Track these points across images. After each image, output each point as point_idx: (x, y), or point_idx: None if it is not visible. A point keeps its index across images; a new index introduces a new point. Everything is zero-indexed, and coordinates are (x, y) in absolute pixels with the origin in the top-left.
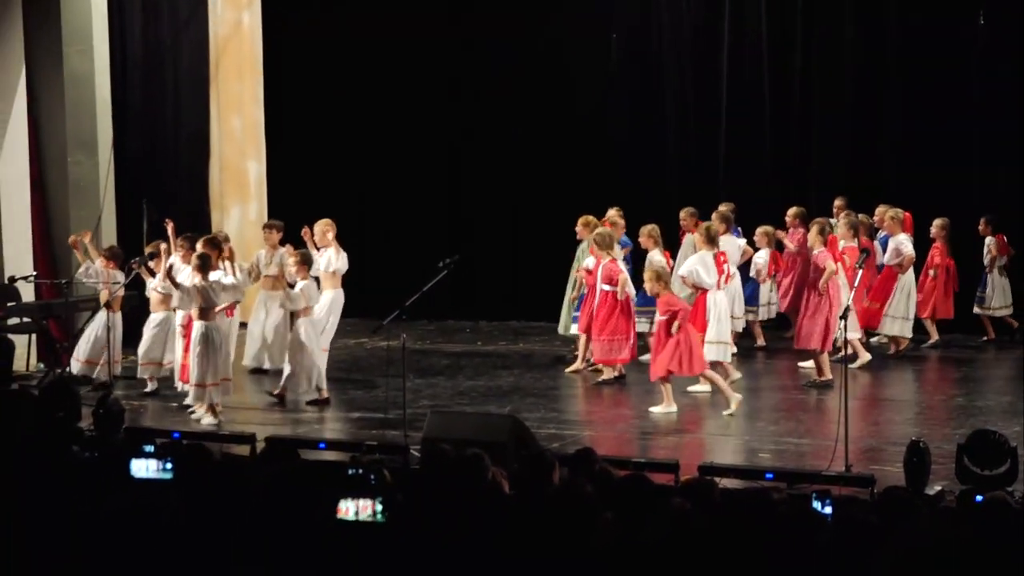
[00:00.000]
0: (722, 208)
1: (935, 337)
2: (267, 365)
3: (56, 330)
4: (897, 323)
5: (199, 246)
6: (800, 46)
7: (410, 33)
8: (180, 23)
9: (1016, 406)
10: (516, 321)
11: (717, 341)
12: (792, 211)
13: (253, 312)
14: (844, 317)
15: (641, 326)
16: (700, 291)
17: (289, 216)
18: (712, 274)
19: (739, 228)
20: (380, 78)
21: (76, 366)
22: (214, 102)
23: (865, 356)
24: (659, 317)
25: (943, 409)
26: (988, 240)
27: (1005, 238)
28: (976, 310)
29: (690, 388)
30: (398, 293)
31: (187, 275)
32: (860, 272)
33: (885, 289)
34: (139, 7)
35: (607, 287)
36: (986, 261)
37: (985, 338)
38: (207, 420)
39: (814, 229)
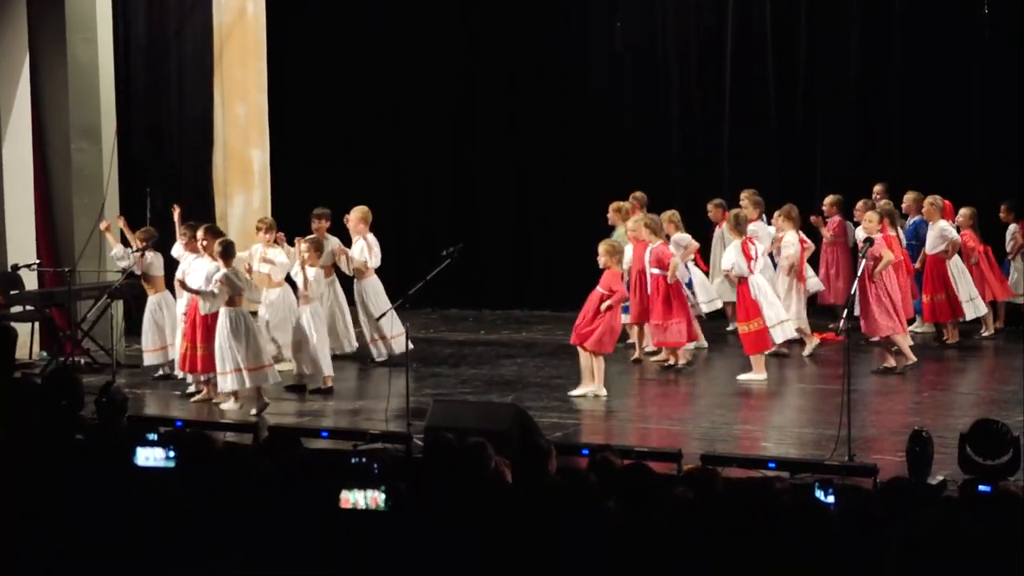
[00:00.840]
0: (752, 194)
1: (991, 328)
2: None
3: (59, 318)
4: (970, 305)
5: (200, 234)
6: (805, 34)
7: (415, 20)
8: (184, 10)
9: (1019, 395)
10: (520, 310)
11: (778, 322)
12: (829, 199)
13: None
14: (848, 307)
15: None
16: (740, 281)
17: (293, 204)
18: (743, 261)
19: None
20: (385, 65)
21: (148, 357)
22: (218, 89)
23: (814, 342)
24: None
25: (946, 398)
26: (1012, 227)
27: None
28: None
29: (740, 376)
30: (402, 282)
31: (188, 262)
32: (863, 262)
33: (940, 277)
34: None
35: (656, 271)
36: (1008, 248)
37: (1001, 326)
38: (228, 406)
39: (872, 216)
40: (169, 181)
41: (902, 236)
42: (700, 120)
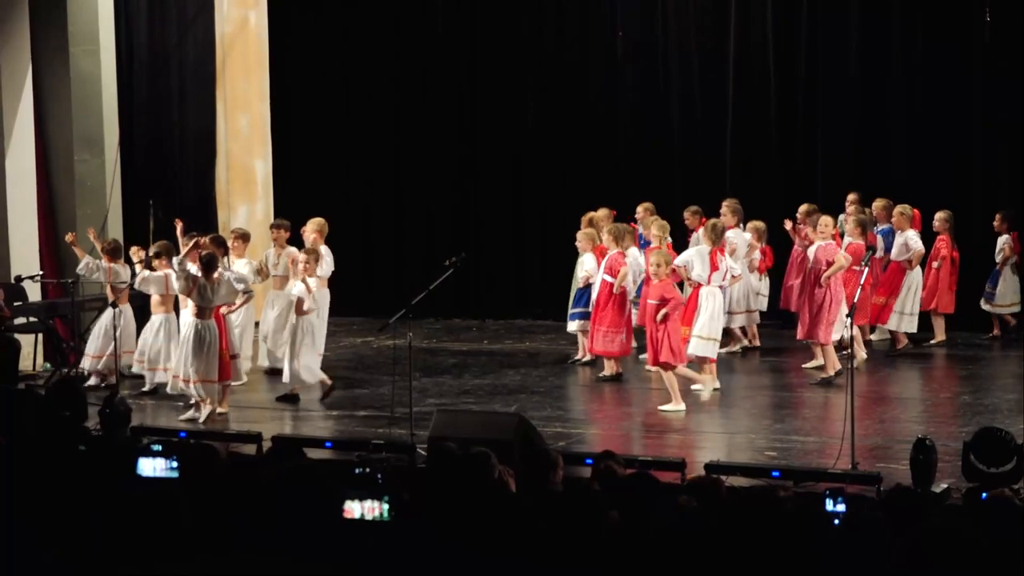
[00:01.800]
0: (732, 202)
1: (941, 336)
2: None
3: (62, 330)
4: (904, 319)
5: (204, 242)
6: (805, 42)
7: (416, 31)
8: (186, 22)
9: (1022, 404)
10: (522, 320)
11: (707, 337)
12: (803, 208)
13: (262, 312)
14: (851, 315)
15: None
16: (695, 285)
17: (296, 215)
18: (706, 268)
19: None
20: (386, 76)
21: (86, 362)
22: (220, 100)
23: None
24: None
25: (949, 407)
26: (1004, 237)
27: (1018, 236)
28: (984, 306)
29: (693, 387)
30: (404, 291)
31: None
32: (866, 270)
33: (892, 284)
34: (145, 6)
35: (608, 277)
36: (998, 258)
37: (992, 334)
38: (189, 415)
39: (827, 220)
40: (172, 192)
41: (880, 241)
42: (701, 129)
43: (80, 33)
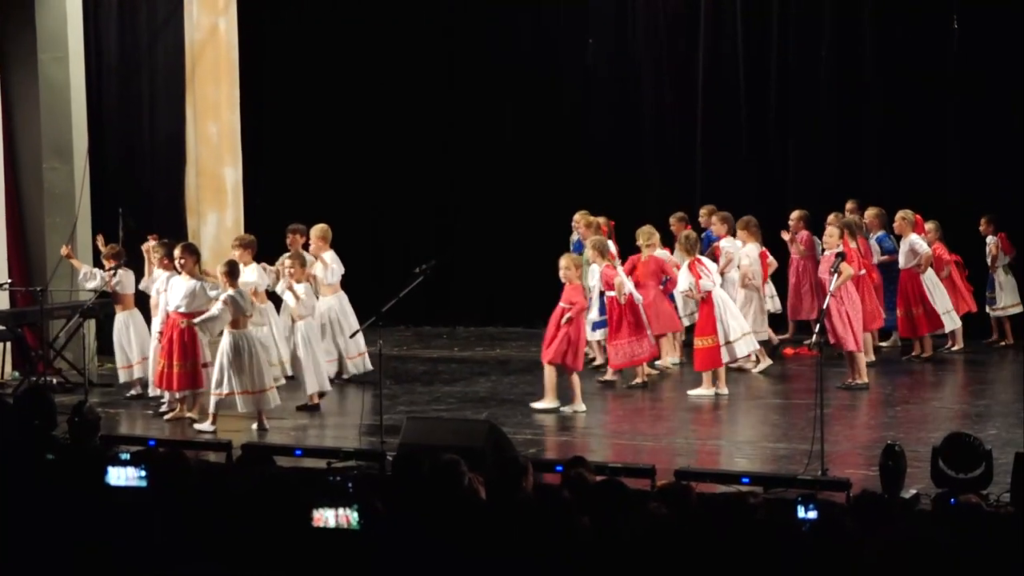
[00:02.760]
0: (715, 210)
1: (960, 343)
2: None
3: (31, 338)
4: (950, 317)
5: (177, 252)
6: (776, 47)
7: (388, 39)
8: (156, 29)
9: (992, 409)
10: (493, 327)
11: (742, 335)
12: (796, 214)
13: (280, 319)
14: (819, 321)
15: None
16: (703, 297)
17: (267, 223)
18: (692, 278)
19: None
20: (357, 84)
21: (121, 375)
22: (190, 108)
23: (766, 362)
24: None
25: (919, 412)
26: (989, 239)
27: (1006, 236)
28: (990, 311)
29: (690, 392)
30: (375, 299)
31: (163, 280)
32: (835, 276)
33: (909, 293)
34: (115, 14)
35: (611, 292)
36: (989, 261)
37: (995, 339)
38: (202, 426)
39: (835, 231)
40: (141, 200)
41: (875, 247)
42: (672, 137)
43: (48, 40)
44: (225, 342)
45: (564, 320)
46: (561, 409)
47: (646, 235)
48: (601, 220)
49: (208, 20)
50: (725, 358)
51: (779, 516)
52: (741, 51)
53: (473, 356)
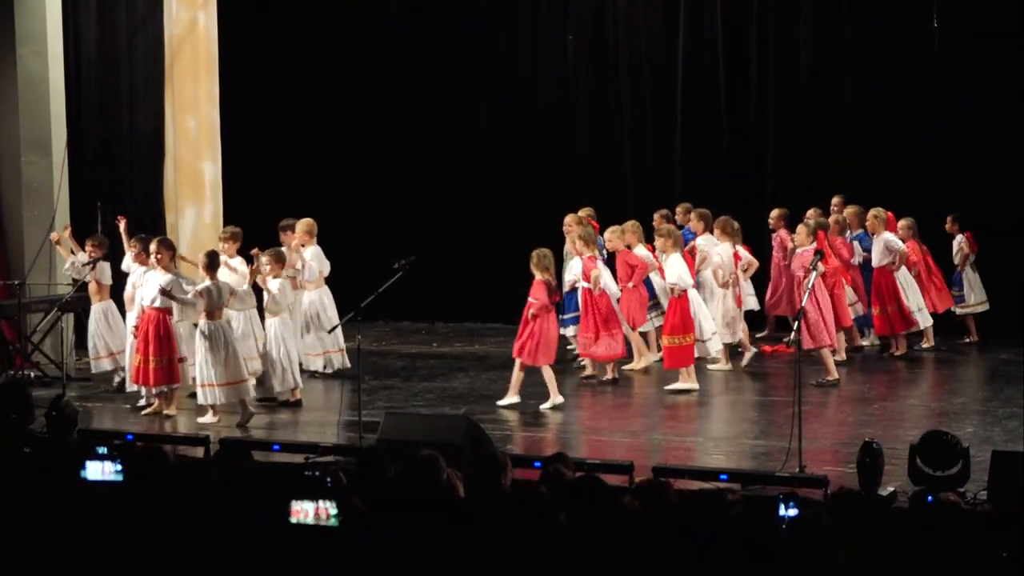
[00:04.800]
0: (703, 209)
1: (931, 340)
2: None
3: (8, 331)
4: (923, 315)
5: (153, 246)
6: (755, 45)
7: (366, 34)
8: (135, 23)
9: (969, 407)
10: (472, 323)
11: (708, 338)
12: (775, 212)
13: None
14: (797, 319)
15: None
16: (680, 294)
17: (246, 218)
18: (689, 273)
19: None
20: (337, 79)
21: (95, 365)
22: (169, 102)
23: (751, 351)
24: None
25: (896, 410)
26: (959, 238)
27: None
28: (957, 311)
29: (667, 387)
30: (354, 294)
31: (139, 275)
32: (813, 274)
33: (889, 289)
34: (94, 7)
35: (586, 284)
36: (956, 260)
37: (968, 339)
38: (206, 419)
39: (803, 228)
40: (120, 194)
41: (856, 246)
42: (652, 133)
43: (27, 34)
44: (200, 335)
45: (530, 316)
46: (541, 407)
47: (618, 232)
48: (586, 212)
49: (187, 14)
50: (697, 355)
51: (757, 513)
52: (720, 49)
53: (452, 352)
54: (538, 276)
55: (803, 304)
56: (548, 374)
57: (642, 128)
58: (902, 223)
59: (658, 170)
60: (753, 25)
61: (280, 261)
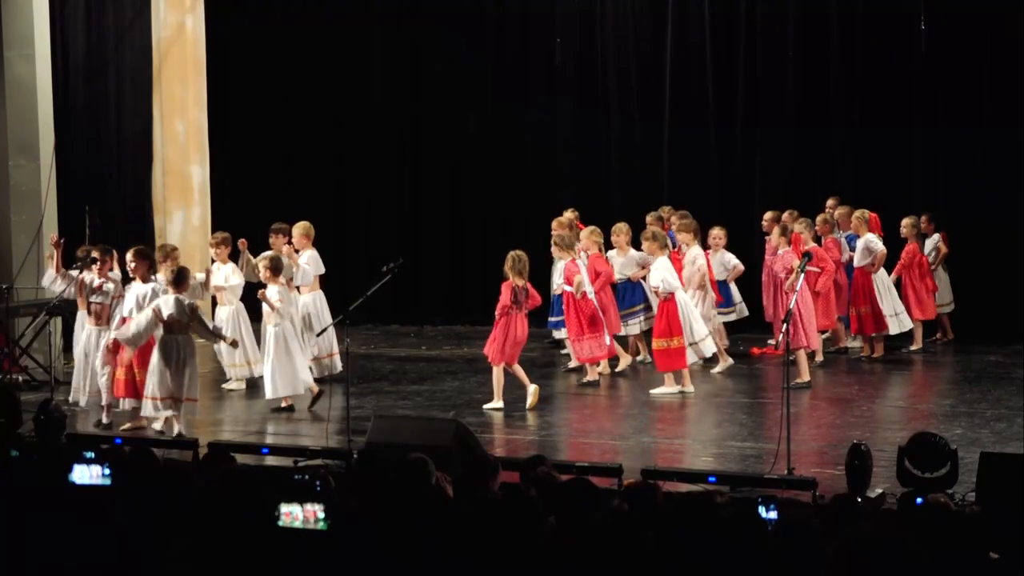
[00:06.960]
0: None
1: (919, 344)
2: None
3: None
4: (900, 320)
5: (129, 256)
6: (744, 47)
7: (354, 38)
8: (122, 27)
9: (957, 409)
10: (461, 325)
11: (701, 339)
12: (768, 215)
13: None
14: (786, 322)
15: (631, 328)
16: (667, 297)
17: (234, 221)
18: (675, 276)
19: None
20: (324, 83)
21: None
22: (157, 106)
23: (728, 361)
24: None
25: (886, 412)
26: (934, 237)
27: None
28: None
29: (652, 391)
30: (343, 297)
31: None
32: (801, 275)
33: (865, 290)
34: (82, 11)
35: (568, 288)
36: (931, 258)
37: (939, 337)
38: (158, 424)
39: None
40: (108, 198)
41: (845, 246)
42: (639, 138)
43: (15, 37)
44: (157, 347)
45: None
46: (484, 407)
47: (596, 234)
48: (572, 215)
49: (175, 18)
50: (691, 358)
51: (745, 515)
52: (708, 50)
53: (441, 355)
54: (509, 278)
55: (792, 305)
56: (499, 376)
57: (630, 130)
58: (905, 221)
59: (646, 172)
60: (741, 28)
61: (277, 271)
